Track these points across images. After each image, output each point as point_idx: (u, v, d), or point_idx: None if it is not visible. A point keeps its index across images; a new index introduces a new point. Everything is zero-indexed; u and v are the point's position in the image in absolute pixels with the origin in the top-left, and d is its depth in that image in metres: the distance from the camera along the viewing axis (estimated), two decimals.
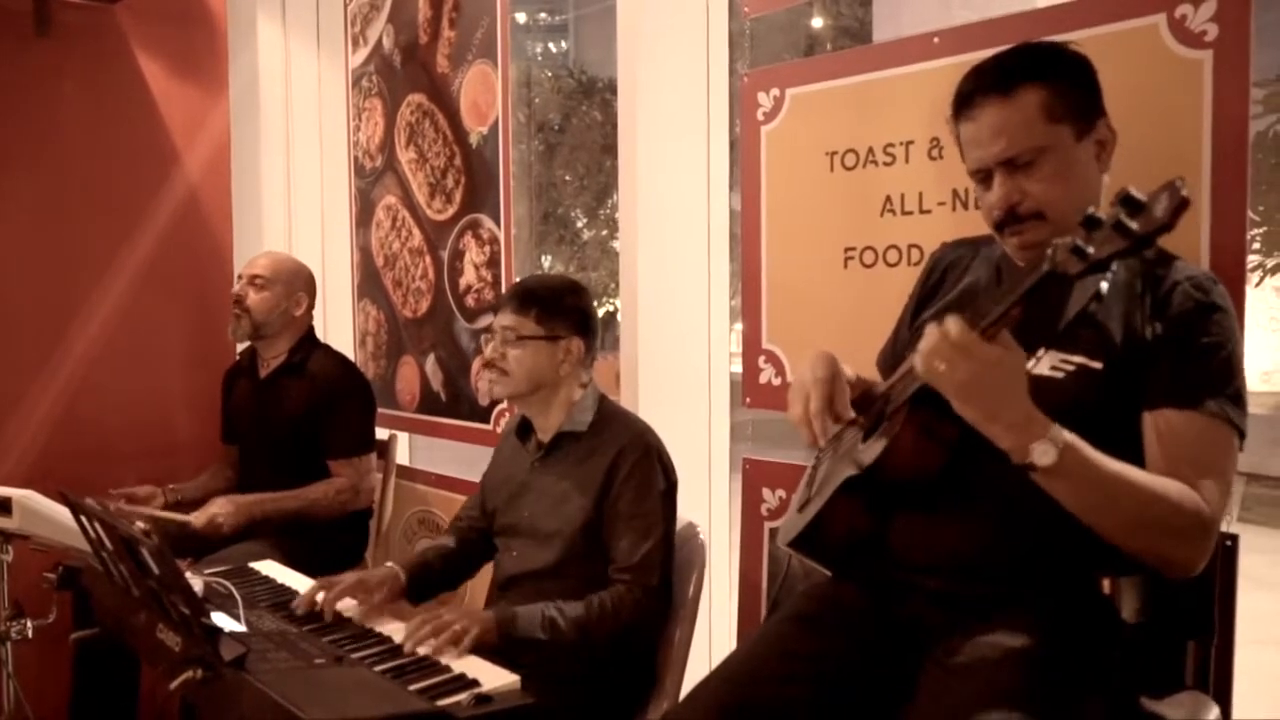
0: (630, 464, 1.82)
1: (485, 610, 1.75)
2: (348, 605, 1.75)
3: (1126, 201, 1.03)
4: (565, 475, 1.89)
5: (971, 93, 1.37)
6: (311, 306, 2.77)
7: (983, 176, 1.38)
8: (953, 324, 1.14)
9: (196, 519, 2.45)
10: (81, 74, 3.06)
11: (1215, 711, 1.39)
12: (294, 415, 2.63)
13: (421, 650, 1.55)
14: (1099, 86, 1.36)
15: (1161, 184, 1.03)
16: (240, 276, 2.72)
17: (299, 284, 2.73)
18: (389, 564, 1.93)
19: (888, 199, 1.91)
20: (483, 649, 1.58)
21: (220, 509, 2.46)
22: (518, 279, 2.41)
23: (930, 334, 1.16)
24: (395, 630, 1.64)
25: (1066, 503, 1.20)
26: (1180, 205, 1.00)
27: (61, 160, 3.04)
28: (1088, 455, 1.18)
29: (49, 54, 3.00)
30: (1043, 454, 1.15)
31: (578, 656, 1.74)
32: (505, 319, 1.90)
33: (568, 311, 1.91)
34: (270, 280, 2.67)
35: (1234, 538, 1.43)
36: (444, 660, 1.48)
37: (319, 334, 2.85)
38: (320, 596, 1.74)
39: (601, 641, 1.75)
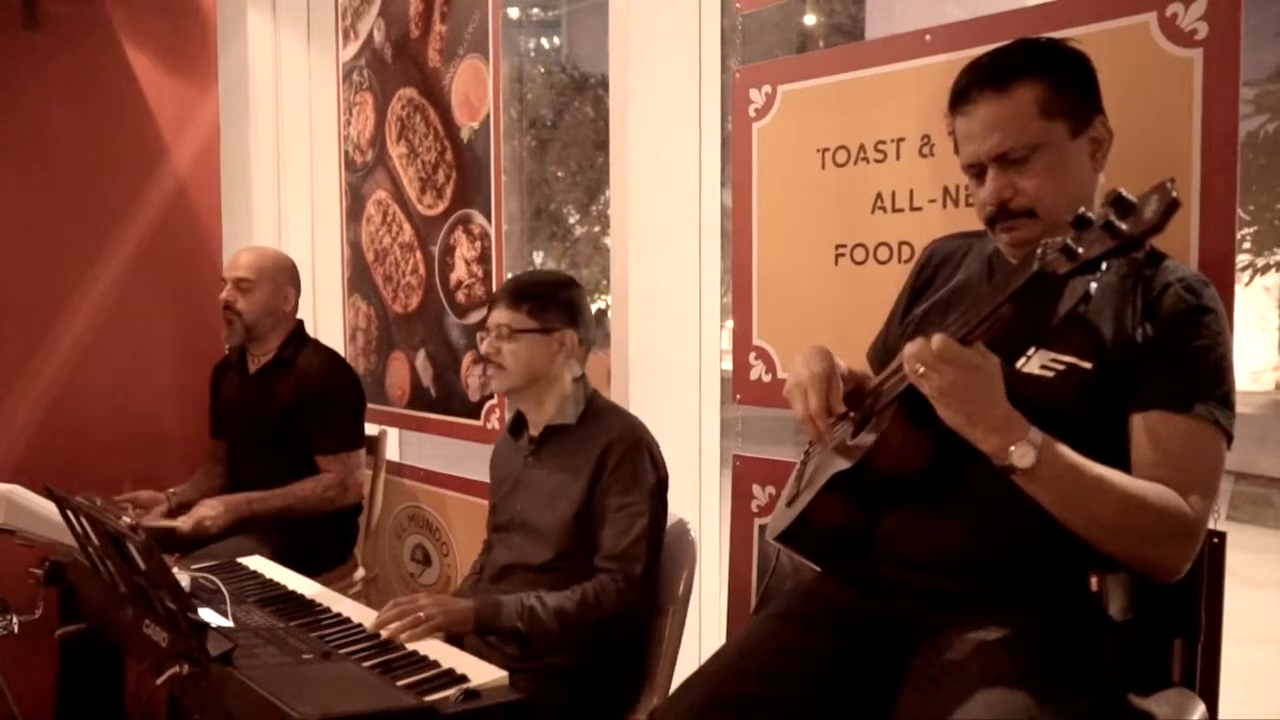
0: (619, 455, 1.83)
1: (465, 601, 1.74)
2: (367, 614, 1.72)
3: (1117, 202, 1.03)
4: (556, 469, 1.90)
5: (968, 87, 1.36)
6: (298, 298, 2.75)
7: (976, 171, 1.38)
8: (935, 335, 1.18)
9: (184, 523, 2.44)
10: (69, 67, 3.04)
11: (1201, 708, 1.39)
12: (283, 411, 2.62)
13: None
14: (1097, 84, 1.36)
15: (1152, 185, 1.03)
16: (225, 280, 2.69)
17: (284, 278, 2.71)
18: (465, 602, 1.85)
19: (879, 196, 1.91)
20: (460, 637, 1.58)
21: (207, 511, 2.45)
22: (509, 275, 2.41)
23: (912, 344, 1.20)
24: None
25: (1047, 505, 1.22)
26: (1170, 207, 1.01)
27: (49, 153, 3.02)
28: (1067, 458, 1.19)
29: (36, 46, 2.97)
30: (1021, 456, 1.18)
31: (562, 648, 1.74)
32: (499, 315, 1.92)
33: (560, 304, 1.92)
34: (256, 281, 2.65)
35: (1221, 535, 1.43)
36: (432, 655, 1.48)
37: (309, 329, 2.84)
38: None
39: (583, 632, 1.75)
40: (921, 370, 1.19)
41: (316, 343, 2.79)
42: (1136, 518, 1.21)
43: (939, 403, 1.20)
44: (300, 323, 2.78)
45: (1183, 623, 1.43)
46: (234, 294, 2.65)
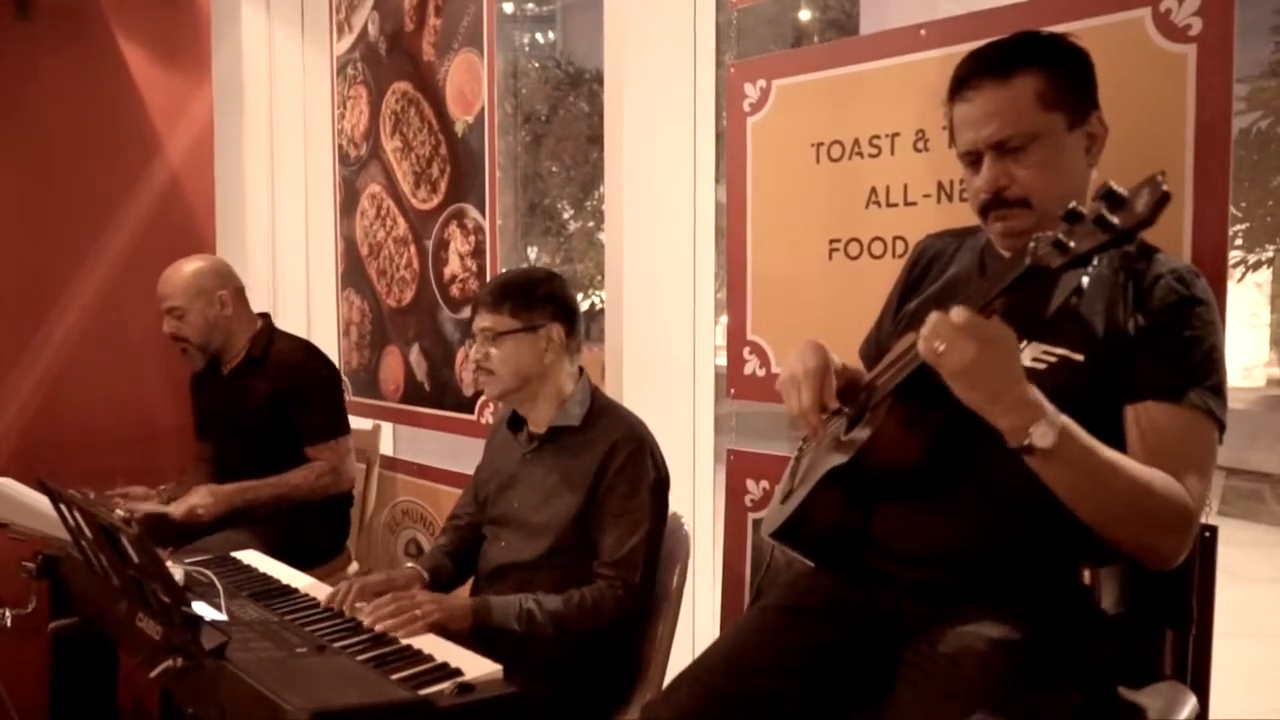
0: (623, 458, 1.82)
1: (462, 599, 1.74)
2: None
3: (1108, 196, 1.03)
4: (556, 468, 1.89)
5: (968, 75, 1.37)
6: (239, 294, 2.68)
7: (972, 159, 1.38)
8: (955, 308, 1.15)
9: (176, 509, 2.43)
10: (62, 58, 3.03)
11: (1192, 701, 1.40)
12: (262, 409, 2.59)
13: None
14: (1095, 80, 1.36)
15: (1143, 178, 1.03)
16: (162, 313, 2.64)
17: (211, 285, 2.62)
18: (410, 564, 1.92)
19: (873, 191, 1.92)
20: (455, 636, 1.58)
21: (200, 499, 2.44)
22: (503, 270, 2.40)
23: (932, 318, 1.17)
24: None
25: (1058, 488, 1.20)
26: (1161, 200, 1.01)
27: (41, 146, 3.01)
28: (1084, 440, 1.18)
29: (29, 38, 2.96)
30: (1042, 436, 1.15)
31: (556, 648, 1.74)
32: (483, 319, 1.89)
33: (542, 299, 1.90)
34: (185, 306, 2.59)
35: (1213, 529, 1.44)
36: (426, 649, 1.48)
37: (303, 322, 2.83)
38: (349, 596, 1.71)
39: (579, 636, 1.76)
40: (941, 347, 1.15)
41: (286, 334, 2.76)
42: (1143, 503, 1.20)
43: (959, 380, 1.16)
44: (265, 317, 2.75)
45: (1174, 616, 1.44)
46: (173, 324, 2.61)
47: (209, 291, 2.62)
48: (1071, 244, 1.05)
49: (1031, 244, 1.10)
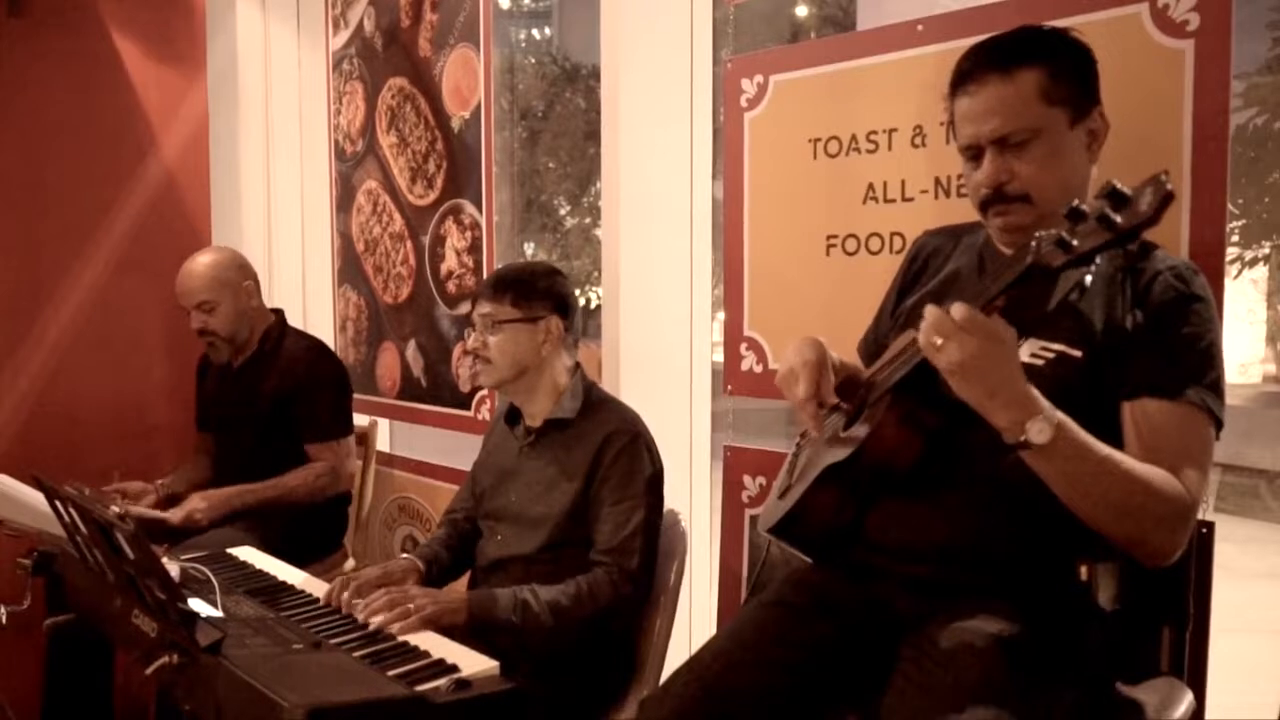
0: (617, 449, 1.82)
1: (457, 592, 1.74)
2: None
3: (1111, 194, 1.03)
4: (553, 461, 1.89)
5: (971, 69, 1.37)
6: (259, 285, 2.69)
7: (973, 154, 1.38)
8: (955, 305, 1.15)
9: (174, 515, 2.43)
10: (56, 55, 3.02)
11: (1189, 697, 1.40)
12: (268, 403, 2.59)
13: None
14: (1097, 76, 1.36)
15: (1146, 178, 1.03)
16: (187, 310, 2.61)
17: (238, 277, 2.63)
18: (405, 555, 1.93)
19: (870, 187, 1.91)
20: (452, 631, 1.58)
21: (196, 505, 2.44)
22: (499, 266, 2.40)
23: (931, 312, 1.16)
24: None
25: (1054, 484, 1.21)
26: (1165, 199, 1.00)
27: (35, 142, 3.00)
28: (1080, 437, 1.18)
29: (22, 34, 2.95)
30: (1039, 432, 1.15)
31: (555, 640, 1.74)
32: (483, 307, 1.91)
33: (543, 292, 1.90)
34: (216, 299, 2.58)
35: (1210, 525, 1.44)
36: (422, 645, 1.47)
37: (300, 319, 2.83)
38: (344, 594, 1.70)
39: (577, 625, 1.75)
40: (940, 342, 1.15)
41: (298, 331, 2.77)
42: (1140, 499, 1.21)
43: (957, 376, 1.16)
44: (280, 312, 2.75)
45: (1171, 612, 1.44)
46: (202, 319, 2.59)
47: (235, 283, 2.63)
48: (1075, 243, 1.05)
49: (1034, 242, 1.09)
